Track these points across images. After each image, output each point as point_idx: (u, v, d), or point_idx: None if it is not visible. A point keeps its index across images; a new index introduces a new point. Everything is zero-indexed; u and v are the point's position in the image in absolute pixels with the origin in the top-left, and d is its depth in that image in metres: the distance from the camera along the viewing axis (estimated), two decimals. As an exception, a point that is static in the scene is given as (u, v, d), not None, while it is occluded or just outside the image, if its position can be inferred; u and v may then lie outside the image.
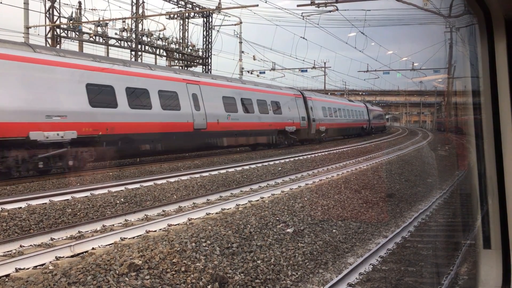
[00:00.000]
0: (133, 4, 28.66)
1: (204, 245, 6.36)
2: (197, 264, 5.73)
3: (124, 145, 16.00)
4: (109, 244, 6.83)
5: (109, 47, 27.79)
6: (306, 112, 30.05)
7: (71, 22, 25.68)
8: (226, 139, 21.87)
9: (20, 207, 8.95)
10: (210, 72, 32.99)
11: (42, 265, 5.88)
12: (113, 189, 11.08)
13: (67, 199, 9.85)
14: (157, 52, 30.76)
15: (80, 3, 26.08)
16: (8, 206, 8.88)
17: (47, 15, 25.32)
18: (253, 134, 23.87)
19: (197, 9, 32.41)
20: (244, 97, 23.42)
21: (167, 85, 18.46)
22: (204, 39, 34.07)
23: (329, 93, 53.17)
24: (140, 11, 28.96)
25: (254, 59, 38.74)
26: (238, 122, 22.40)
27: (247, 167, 16.17)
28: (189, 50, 33.30)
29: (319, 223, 8.30)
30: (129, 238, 7.12)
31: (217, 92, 21.52)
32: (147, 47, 29.76)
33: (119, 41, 28.16)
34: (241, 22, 35.00)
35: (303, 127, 29.06)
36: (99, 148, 15.06)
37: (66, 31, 25.96)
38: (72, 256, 6.27)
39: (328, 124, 33.94)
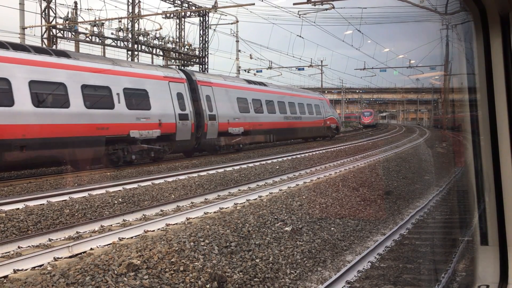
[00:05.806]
0: (129, 3, 28.59)
1: (202, 244, 6.35)
2: (196, 263, 5.73)
3: None
4: (107, 244, 6.83)
5: (106, 47, 27.73)
6: None
7: (67, 22, 25.57)
8: None
9: (18, 208, 8.93)
10: (207, 71, 32.94)
11: (41, 266, 5.87)
12: (111, 189, 11.06)
13: (65, 200, 9.83)
14: (154, 52, 30.70)
15: (76, 3, 25.94)
16: (6, 207, 8.86)
17: (43, 16, 25.22)
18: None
19: (193, 8, 32.35)
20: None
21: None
22: (201, 38, 34.02)
23: (326, 92, 51.63)
24: (136, 10, 28.89)
25: (251, 57, 38.73)
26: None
27: (245, 166, 16.17)
28: (185, 50, 33.23)
29: (317, 221, 8.31)
30: (127, 238, 7.12)
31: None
32: (143, 47, 29.69)
33: (116, 41, 28.10)
34: (237, 21, 34.93)
35: None
36: None
37: (62, 31, 25.87)
38: (70, 257, 6.26)
39: None
